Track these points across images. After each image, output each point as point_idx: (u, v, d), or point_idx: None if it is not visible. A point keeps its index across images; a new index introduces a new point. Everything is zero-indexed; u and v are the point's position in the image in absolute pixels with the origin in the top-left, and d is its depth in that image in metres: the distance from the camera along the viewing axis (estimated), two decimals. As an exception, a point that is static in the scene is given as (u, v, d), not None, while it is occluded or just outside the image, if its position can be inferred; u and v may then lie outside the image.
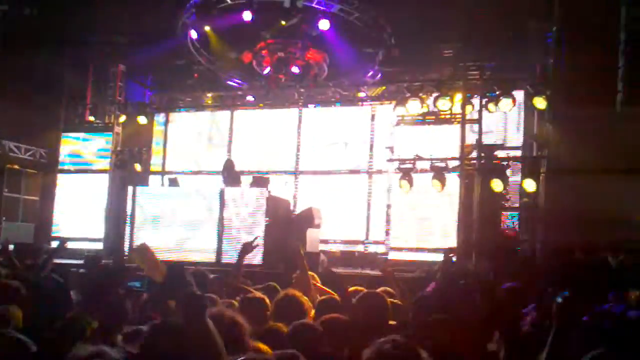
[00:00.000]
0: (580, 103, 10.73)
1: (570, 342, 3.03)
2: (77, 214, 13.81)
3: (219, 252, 10.72)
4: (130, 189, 11.79)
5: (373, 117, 13.02)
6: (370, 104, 13.41)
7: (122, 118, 14.08)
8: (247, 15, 14.99)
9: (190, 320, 2.93)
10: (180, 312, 3.09)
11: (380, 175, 12.60)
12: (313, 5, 14.93)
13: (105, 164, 14.03)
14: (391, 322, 4.78)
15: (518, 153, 11.86)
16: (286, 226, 10.81)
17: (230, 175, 11.58)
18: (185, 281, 3.14)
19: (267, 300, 4.67)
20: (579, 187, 9.95)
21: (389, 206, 12.14)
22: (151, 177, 14.29)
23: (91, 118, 14.63)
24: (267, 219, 10.59)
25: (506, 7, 12.22)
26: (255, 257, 9.75)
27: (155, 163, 14.48)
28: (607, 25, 11.28)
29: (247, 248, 6.07)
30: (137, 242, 10.82)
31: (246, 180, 11.81)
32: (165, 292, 3.37)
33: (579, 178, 10.02)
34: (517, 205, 11.55)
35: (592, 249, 8.31)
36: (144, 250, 3.73)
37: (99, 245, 13.14)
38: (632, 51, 11.16)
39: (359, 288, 5.44)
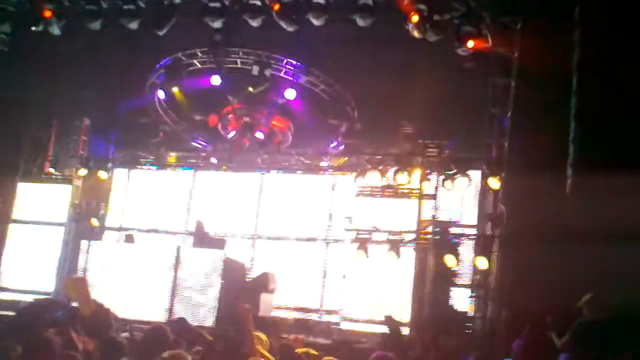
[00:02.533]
0: (533, 186, 11.13)
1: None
2: (28, 266, 13.50)
3: (170, 311, 10.59)
4: (84, 243, 11.65)
5: (333, 186, 13.25)
6: (332, 174, 13.65)
7: (83, 172, 14.00)
8: (215, 80, 15.29)
9: None
10: (99, 353, 3.17)
11: (337, 244, 12.71)
12: (281, 74, 15.35)
13: (61, 216, 13.83)
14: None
15: (473, 231, 12.12)
16: (240, 289, 10.78)
17: (201, 236, 11.57)
18: (110, 324, 3.22)
19: None
20: (529, 267, 10.21)
21: (344, 276, 12.23)
22: (107, 233, 14.13)
23: (51, 169, 14.51)
24: (222, 281, 10.55)
25: (466, 90, 12.76)
26: (208, 319, 9.67)
27: (113, 219, 14.33)
28: (558, 113, 11.83)
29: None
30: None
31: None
32: (89, 328, 3.44)
33: (529, 258, 10.28)
34: (469, 282, 11.75)
35: (539, 327, 8.47)
36: (80, 282, 3.76)
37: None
38: (580, 139, 11.68)
39: (311, 351, 5.50)
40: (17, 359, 3.97)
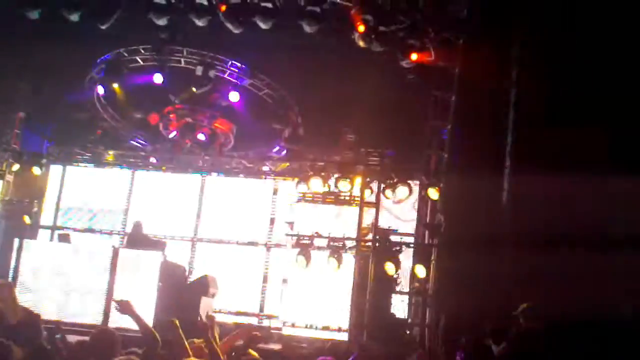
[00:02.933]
0: (469, 197, 11.48)
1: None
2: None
3: (105, 314, 10.35)
4: (16, 241, 11.24)
5: (275, 191, 13.28)
6: (274, 179, 13.67)
7: (16, 167, 13.53)
8: (157, 78, 15.10)
9: None
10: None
11: (278, 249, 12.75)
12: (225, 76, 15.30)
13: (-9, 212, 13.35)
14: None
15: (412, 239, 12.38)
16: (179, 293, 10.64)
17: (139, 238, 11.35)
18: (39, 332, 3.20)
19: None
20: (466, 275, 10.51)
21: (284, 280, 12.28)
22: (40, 231, 13.69)
23: (-19, 163, 13.98)
24: (160, 283, 10.39)
25: (408, 101, 13.05)
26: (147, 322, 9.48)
27: (47, 217, 13.89)
28: (496, 126, 12.24)
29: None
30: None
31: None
32: (13, 335, 3.39)
33: (465, 266, 10.58)
34: (406, 290, 11.99)
35: (477, 335, 8.73)
36: (6, 288, 3.69)
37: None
38: (516, 154, 12.13)
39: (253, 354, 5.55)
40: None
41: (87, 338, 6.30)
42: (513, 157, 12.12)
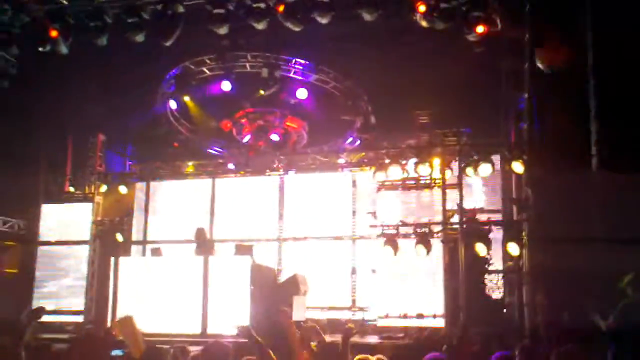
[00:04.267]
0: (556, 167, 11.07)
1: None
2: (58, 287, 13.56)
3: (204, 323, 10.55)
4: (112, 260, 11.63)
5: (354, 183, 13.17)
6: (350, 170, 13.58)
7: (103, 188, 14.02)
8: (226, 85, 15.34)
9: None
10: None
11: (364, 240, 12.65)
12: (290, 75, 15.33)
13: (85, 234, 13.85)
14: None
15: (498, 216, 12.03)
16: (272, 294, 10.73)
17: (203, 244, 11.53)
18: None
19: None
20: (560, 251, 10.14)
21: (374, 271, 12.19)
22: (133, 247, 14.13)
23: (71, 188, 14.54)
24: (251, 287, 10.50)
25: (479, 75, 12.68)
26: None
27: (137, 233, 14.33)
28: (576, 90, 11.75)
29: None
30: (120, 314, 10.61)
31: (230, 248, 11.78)
32: None
33: (560, 240, 10.22)
34: (500, 268, 11.67)
35: (579, 311, 8.41)
36: (127, 322, 3.73)
37: (80, 318, 12.87)
38: (602, 117, 11.61)
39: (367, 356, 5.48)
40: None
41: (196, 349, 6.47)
42: (599, 123, 11.66)
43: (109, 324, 11.09)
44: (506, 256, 11.10)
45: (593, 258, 9.55)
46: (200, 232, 11.72)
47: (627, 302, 7.35)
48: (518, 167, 11.29)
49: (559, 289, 9.64)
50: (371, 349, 8.97)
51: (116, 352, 6.50)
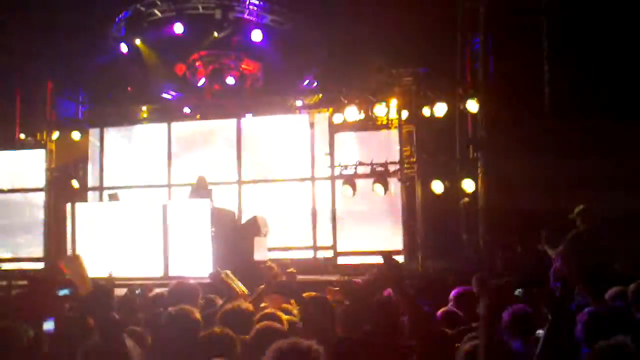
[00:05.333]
0: (510, 107, 11.28)
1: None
2: (14, 234, 13.35)
3: (165, 266, 10.60)
4: (68, 206, 11.50)
5: (312, 124, 13.14)
6: (308, 112, 13.52)
7: (55, 134, 13.69)
8: (178, 28, 15.02)
9: (107, 342, 3.10)
10: (98, 332, 3.21)
11: (323, 181, 12.72)
12: (245, 16, 15.08)
13: (40, 182, 13.59)
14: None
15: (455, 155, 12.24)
16: (232, 236, 10.81)
17: (202, 191, 11.47)
18: (109, 303, 3.26)
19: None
20: (513, 188, 10.44)
21: (333, 212, 12.34)
22: (90, 194, 13.94)
23: (22, 135, 14.18)
24: (213, 229, 10.55)
25: (436, 15, 12.70)
26: (204, 269, 9.70)
27: (93, 179, 14.11)
28: (530, 31, 11.89)
29: None
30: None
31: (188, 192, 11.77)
32: (85, 307, 3.44)
33: (513, 178, 10.50)
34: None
35: (530, 243, 8.71)
36: (74, 259, 3.72)
37: (40, 265, 12.75)
38: (554, 55, 11.81)
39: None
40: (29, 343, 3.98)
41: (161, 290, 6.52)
42: (551, 63, 11.85)
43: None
44: (462, 193, 11.34)
45: (544, 196, 9.87)
46: (201, 180, 11.62)
47: (577, 232, 7.64)
48: (472, 106, 11.43)
49: (513, 224, 9.96)
50: (331, 286, 9.16)
51: (63, 292, 6.46)
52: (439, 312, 5.43)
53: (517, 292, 5.57)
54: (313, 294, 5.78)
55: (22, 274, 10.49)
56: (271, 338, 3.16)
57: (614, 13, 10.87)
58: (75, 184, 13.33)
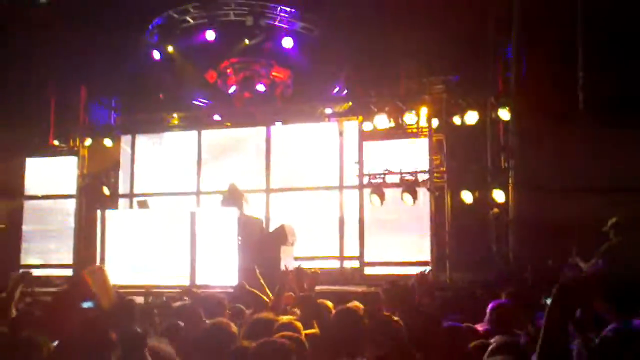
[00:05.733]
0: (543, 115, 11.05)
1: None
2: (45, 240, 13.56)
3: (192, 274, 10.62)
4: (99, 213, 11.62)
5: (341, 133, 13.05)
6: (337, 120, 13.44)
7: (88, 141, 13.87)
8: (210, 35, 15.10)
9: (128, 356, 3.04)
10: (120, 346, 3.15)
11: (351, 190, 12.62)
12: (276, 23, 15.09)
13: (71, 188, 13.77)
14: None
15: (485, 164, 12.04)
16: (259, 245, 10.78)
17: (233, 199, 11.47)
18: (131, 317, 3.20)
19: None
20: (546, 198, 10.21)
21: (361, 221, 12.22)
22: (120, 200, 14.07)
23: (55, 142, 14.39)
24: (240, 238, 10.54)
25: (467, 23, 12.51)
26: (230, 278, 9.71)
27: (124, 186, 14.23)
28: (565, 38, 11.65)
29: None
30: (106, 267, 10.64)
31: (218, 200, 11.77)
32: (108, 320, 3.39)
33: (545, 188, 10.28)
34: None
35: (562, 256, 8.50)
36: (98, 271, 3.69)
37: (69, 272, 12.91)
38: (590, 63, 11.54)
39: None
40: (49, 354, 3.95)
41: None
42: (586, 69, 11.59)
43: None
44: (493, 203, 11.14)
45: (578, 205, 9.63)
46: (232, 187, 11.63)
47: (609, 245, 7.44)
48: (505, 114, 11.25)
49: (544, 236, 9.72)
50: (358, 298, 9.06)
51: (87, 304, 6.49)
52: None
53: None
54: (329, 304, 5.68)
55: (49, 282, 10.62)
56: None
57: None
58: (106, 190, 13.48)
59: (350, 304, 5.78)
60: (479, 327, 5.21)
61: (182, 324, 5.00)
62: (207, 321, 4.42)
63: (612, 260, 7.35)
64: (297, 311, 5.47)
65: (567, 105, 11.40)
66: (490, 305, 5.59)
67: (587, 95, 11.04)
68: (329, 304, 5.52)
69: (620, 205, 8.55)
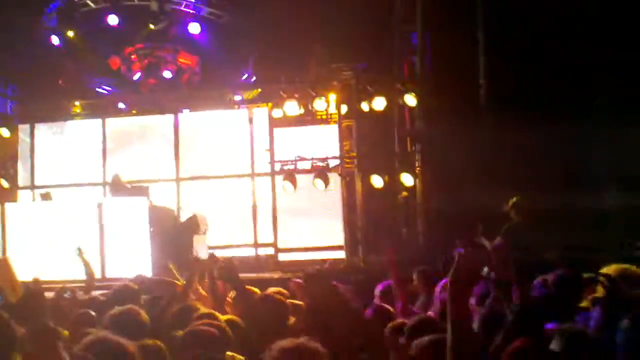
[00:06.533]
0: (448, 100, 11.40)
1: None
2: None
3: (102, 267, 10.30)
4: (-3, 206, 11.06)
5: (251, 120, 12.97)
6: (247, 106, 13.36)
7: (-18, 131, 13.14)
8: (113, 20, 14.59)
9: (42, 351, 2.95)
10: (30, 341, 3.06)
11: (263, 177, 12.60)
12: (182, 8, 14.78)
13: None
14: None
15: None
16: (171, 235, 10.61)
17: (118, 189, 11.17)
18: (41, 310, 3.10)
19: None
20: (451, 183, 10.57)
21: (274, 208, 12.24)
22: (21, 193, 13.42)
23: (-54, 132, 13.55)
24: (151, 229, 10.33)
25: (374, 9, 12.70)
26: (145, 270, 9.50)
27: (24, 178, 13.58)
28: (466, 24, 12.03)
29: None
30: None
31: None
32: (15, 314, 3.27)
33: (451, 171, 10.63)
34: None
35: (468, 237, 8.82)
36: (2, 264, 3.55)
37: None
38: (489, 48, 11.98)
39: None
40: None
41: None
42: (486, 54, 12.00)
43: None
44: (401, 187, 11.43)
45: (482, 191, 10.01)
46: (115, 177, 11.28)
47: (511, 224, 7.80)
48: (411, 100, 11.54)
49: (451, 219, 10.06)
50: (273, 285, 9.10)
51: None
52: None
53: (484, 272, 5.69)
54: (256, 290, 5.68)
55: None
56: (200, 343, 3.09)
57: (549, 2, 11.08)
58: (4, 183, 12.84)
59: (271, 290, 5.82)
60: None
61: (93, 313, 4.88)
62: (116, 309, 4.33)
63: (513, 237, 7.73)
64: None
65: (470, 91, 11.80)
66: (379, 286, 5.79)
67: (489, 82, 11.46)
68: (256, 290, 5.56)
69: (520, 191, 8.93)
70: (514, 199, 8.10)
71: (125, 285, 5.59)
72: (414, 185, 11.20)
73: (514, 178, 9.72)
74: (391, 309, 5.22)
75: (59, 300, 6.08)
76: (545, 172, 9.81)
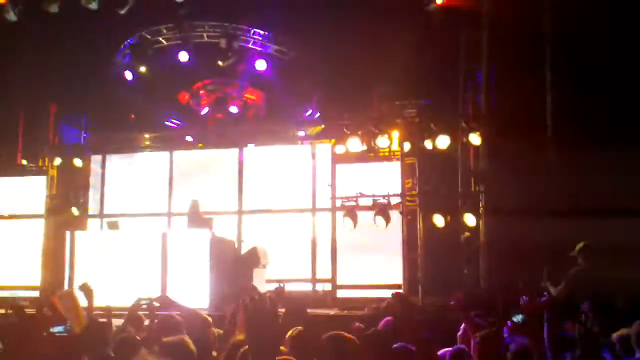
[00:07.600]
0: (513, 139, 11.22)
1: None
2: (12, 262, 13.27)
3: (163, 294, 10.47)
4: (67, 234, 11.43)
5: (313, 155, 13.08)
6: (310, 142, 13.49)
7: (57, 160, 13.67)
8: (183, 56, 15.09)
9: None
10: None
11: (324, 213, 12.63)
12: (249, 45, 15.16)
13: (40, 209, 13.53)
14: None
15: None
16: (231, 267, 10.71)
17: (196, 217, 11.40)
18: (105, 340, 3.15)
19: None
20: (515, 222, 10.33)
21: (333, 244, 12.23)
22: (90, 221, 13.86)
23: (24, 161, 14.17)
24: (211, 260, 10.46)
25: (438, 47, 12.71)
26: (201, 300, 9.63)
27: (94, 206, 14.03)
28: (533, 62, 11.88)
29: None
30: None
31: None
32: (82, 345, 3.34)
33: (516, 212, 10.41)
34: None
35: (532, 280, 8.59)
36: (67, 297, 3.63)
37: (36, 294, 12.65)
38: (556, 86, 11.79)
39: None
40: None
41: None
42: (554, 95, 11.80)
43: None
44: (464, 227, 11.24)
45: (546, 229, 9.77)
46: (194, 205, 11.54)
47: (578, 270, 7.57)
48: (475, 139, 11.41)
49: (514, 259, 9.83)
50: (330, 321, 9.05)
51: (57, 329, 6.35)
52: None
53: (519, 318, 5.58)
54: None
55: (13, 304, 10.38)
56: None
57: (617, 43, 10.86)
58: (75, 211, 13.28)
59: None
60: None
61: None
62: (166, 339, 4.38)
63: (578, 285, 7.50)
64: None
65: (536, 130, 11.60)
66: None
67: (555, 121, 11.25)
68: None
69: (588, 229, 8.70)
70: (582, 243, 7.88)
71: (169, 315, 5.66)
72: (477, 226, 11.00)
73: (580, 220, 9.44)
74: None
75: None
76: (613, 213, 9.50)
